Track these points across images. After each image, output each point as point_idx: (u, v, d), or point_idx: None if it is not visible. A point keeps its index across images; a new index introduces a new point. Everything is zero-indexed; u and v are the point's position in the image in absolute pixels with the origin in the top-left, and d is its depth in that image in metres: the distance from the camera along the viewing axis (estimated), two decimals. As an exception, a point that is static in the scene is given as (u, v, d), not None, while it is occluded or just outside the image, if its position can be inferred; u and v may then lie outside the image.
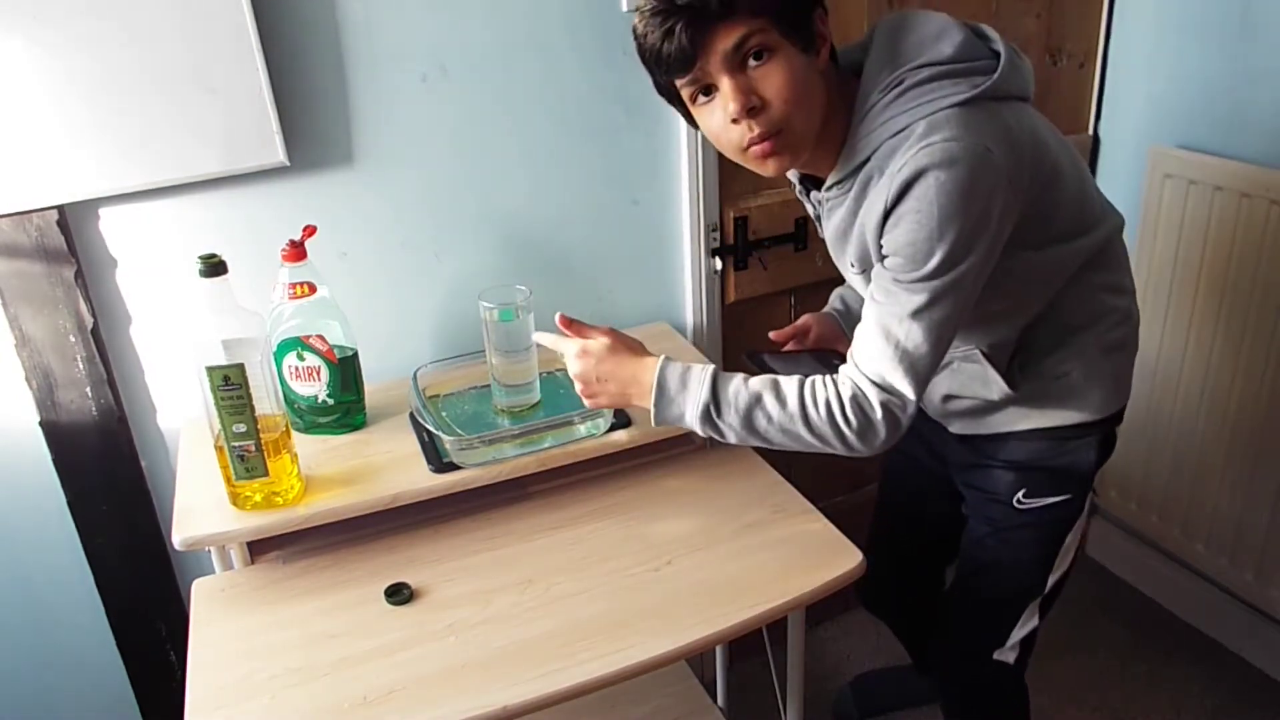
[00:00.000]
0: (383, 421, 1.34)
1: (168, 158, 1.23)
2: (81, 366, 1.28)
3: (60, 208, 1.22)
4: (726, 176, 1.60)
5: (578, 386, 1.14)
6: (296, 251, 1.22)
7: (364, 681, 1.00)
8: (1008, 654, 1.35)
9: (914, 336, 1.00)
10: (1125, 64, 1.90)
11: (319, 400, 1.28)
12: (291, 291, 1.23)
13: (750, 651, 1.66)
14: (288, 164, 1.29)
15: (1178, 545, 1.97)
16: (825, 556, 1.15)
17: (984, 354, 1.16)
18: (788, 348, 1.33)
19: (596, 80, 1.45)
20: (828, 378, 1.05)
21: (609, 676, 1.01)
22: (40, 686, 1.44)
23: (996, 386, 1.18)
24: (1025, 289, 1.12)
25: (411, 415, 1.31)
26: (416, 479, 1.21)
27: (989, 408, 1.23)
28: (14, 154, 1.16)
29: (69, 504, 1.33)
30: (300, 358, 1.25)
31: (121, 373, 1.33)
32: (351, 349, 1.28)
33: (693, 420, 1.07)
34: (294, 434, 1.20)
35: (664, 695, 1.58)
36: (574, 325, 1.16)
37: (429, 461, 1.23)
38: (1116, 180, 1.96)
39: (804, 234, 1.69)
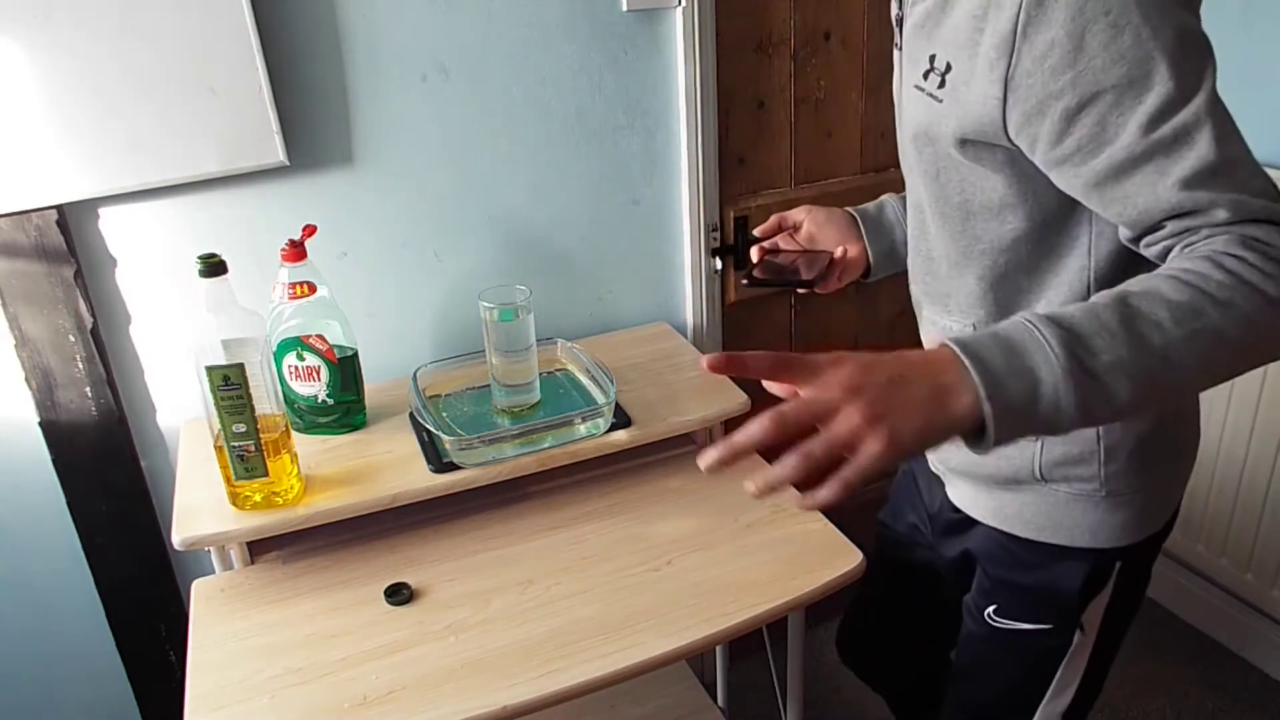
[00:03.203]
0: (383, 421, 1.34)
1: (167, 157, 1.23)
2: (81, 366, 1.28)
3: (60, 207, 1.22)
4: (727, 176, 1.60)
5: (871, 447, 0.65)
6: (296, 251, 1.22)
7: (364, 681, 1.00)
8: None
9: (1229, 162, 0.70)
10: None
11: (319, 400, 1.28)
12: (291, 291, 1.23)
13: (750, 651, 1.66)
14: (288, 164, 1.29)
15: (1178, 545, 1.97)
16: (825, 556, 1.15)
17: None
18: (782, 246, 1.09)
19: (597, 80, 1.45)
20: (1189, 244, 0.72)
21: (609, 676, 1.00)
22: (40, 686, 1.44)
23: None
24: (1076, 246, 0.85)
25: (411, 415, 1.31)
26: (416, 479, 1.21)
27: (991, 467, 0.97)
28: (13, 153, 1.16)
29: (69, 504, 1.33)
30: (300, 358, 1.25)
31: (121, 373, 1.33)
32: (351, 349, 1.28)
33: (1054, 379, 0.65)
34: (294, 434, 1.20)
35: (664, 695, 1.58)
36: (741, 362, 0.67)
37: (429, 461, 1.23)
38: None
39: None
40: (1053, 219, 0.85)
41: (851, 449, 0.64)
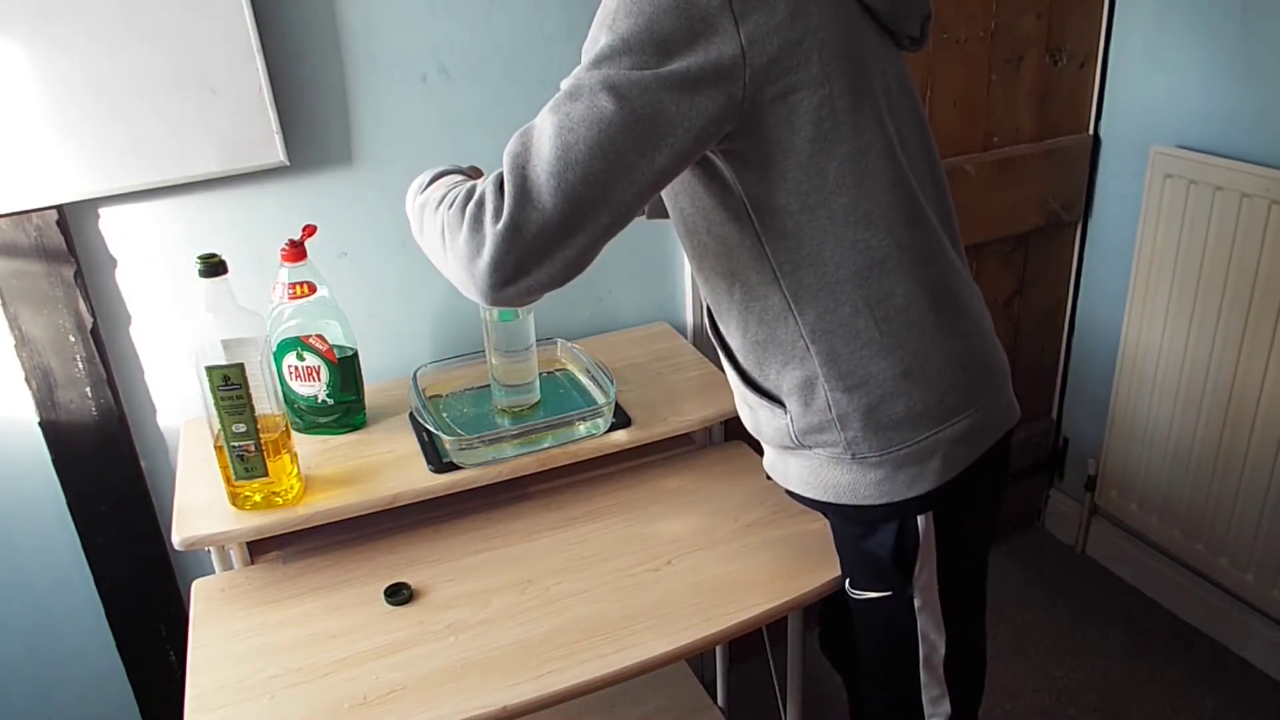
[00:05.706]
0: (383, 421, 1.34)
1: (167, 157, 1.23)
2: (81, 366, 1.28)
3: (59, 207, 1.22)
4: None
5: None
6: (296, 251, 1.22)
7: (364, 681, 1.00)
8: None
9: (542, 129, 0.83)
10: (1125, 64, 1.90)
11: (319, 400, 1.28)
12: (291, 291, 1.23)
13: (750, 651, 1.66)
14: (288, 164, 1.29)
15: (1178, 545, 1.97)
16: (825, 556, 1.15)
17: (709, 312, 1.05)
18: None
19: (596, 80, 1.45)
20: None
21: (609, 676, 1.01)
22: (40, 686, 1.44)
23: (731, 374, 1.05)
24: (754, 249, 0.92)
25: (411, 415, 1.31)
26: (416, 479, 1.21)
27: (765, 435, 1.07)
28: (13, 153, 1.16)
29: (69, 504, 1.33)
30: (300, 358, 1.25)
31: (121, 373, 1.33)
32: (351, 349, 1.28)
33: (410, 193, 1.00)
34: (294, 434, 1.20)
35: (664, 695, 1.58)
36: None
37: (429, 461, 1.23)
38: (1116, 180, 1.96)
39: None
40: (707, 201, 0.93)
41: None
